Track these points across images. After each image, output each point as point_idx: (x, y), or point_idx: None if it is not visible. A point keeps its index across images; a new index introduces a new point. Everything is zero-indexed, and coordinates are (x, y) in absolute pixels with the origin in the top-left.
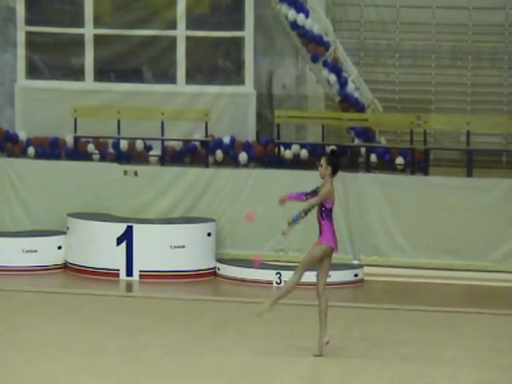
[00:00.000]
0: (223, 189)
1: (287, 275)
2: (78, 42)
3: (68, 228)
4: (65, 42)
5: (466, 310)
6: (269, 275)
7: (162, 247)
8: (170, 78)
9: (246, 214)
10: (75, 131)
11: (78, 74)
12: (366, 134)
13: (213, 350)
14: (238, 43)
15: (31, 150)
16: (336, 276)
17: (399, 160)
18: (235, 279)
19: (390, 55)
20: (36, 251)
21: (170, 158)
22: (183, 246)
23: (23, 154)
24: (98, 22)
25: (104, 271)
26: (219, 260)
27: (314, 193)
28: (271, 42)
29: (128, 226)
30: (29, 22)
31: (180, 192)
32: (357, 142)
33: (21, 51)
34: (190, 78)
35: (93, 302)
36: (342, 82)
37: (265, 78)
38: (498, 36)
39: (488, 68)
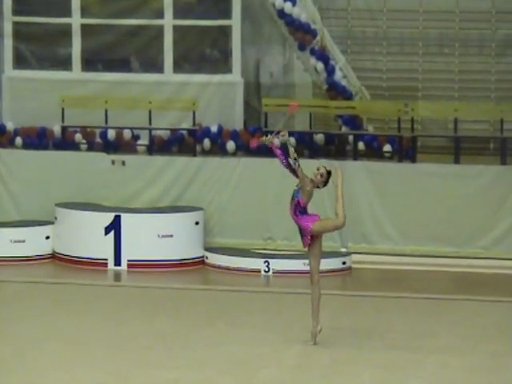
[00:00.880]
0: (211, 178)
1: (275, 263)
2: (66, 32)
3: (56, 218)
4: (52, 31)
5: (454, 297)
6: (257, 263)
7: (150, 236)
8: (158, 68)
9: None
10: (63, 121)
11: (65, 63)
12: (353, 121)
13: (202, 339)
14: (226, 32)
15: (19, 141)
16: (324, 264)
17: (387, 147)
18: (223, 268)
19: (377, 43)
20: (24, 241)
21: (158, 147)
22: (171, 235)
23: (11, 144)
24: (85, 12)
25: (92, 261)
26: (207, 249)
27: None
28: (258, 30)
29: (116, 216)
30: (16, 12)
31: (168, 181)
32: (344, 129)
33: (8, 41)
34: (178, 67)
35: (81, 292)
36: (330, 70)
37: (252, 66)
38: (485, 23)
39: (475, 55)
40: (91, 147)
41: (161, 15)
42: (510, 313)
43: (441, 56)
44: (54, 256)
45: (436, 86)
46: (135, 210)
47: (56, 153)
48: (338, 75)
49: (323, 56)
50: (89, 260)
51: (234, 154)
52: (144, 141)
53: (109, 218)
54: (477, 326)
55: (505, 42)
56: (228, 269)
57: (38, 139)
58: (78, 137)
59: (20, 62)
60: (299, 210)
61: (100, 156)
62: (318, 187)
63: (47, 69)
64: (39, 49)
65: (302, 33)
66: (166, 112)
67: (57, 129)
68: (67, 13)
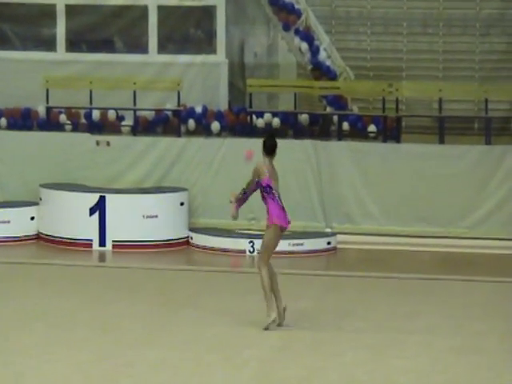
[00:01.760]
0: (195, 158)
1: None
2: (50, 13)
3: (40, 199)
4: (36, 12)
5: (438, 276)
6: (242, 244)
7: (135, 217)
8: (142, 48)
9: (245, 153)
10: (47, 102)
11: (49, 44)
12: (338, 102)
13: (185, 319)
14: (210, 12)
15: (3, 121)
16: (309, 244)
17: (371, 128)
18: (208, 248)
19: (361, 23)
20: (9, 222)
21: (143, 127)
22: (156, 216)
23: None
24: None
25: (77, 242)
26: (192, 229)
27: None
28: (243, 10)
29: (101, 197)
30: None
31: (152, 162)
32: (329, 110)
33: None
34: (162, 48)
35: (66, 273)
36: (314, 51)
37: (236, 47)
38: (469, 3)
39: (459, 35)
40: (76, 128)
41: None
42: (494, 292)
43: (425, 36)
44: (38, 237)
45: (420, 66)
46: (120, 191)
47: (40, 134)
48: (322, 55)
49: (307, 36)
50: (74, 241)
51: (218, 135)
52: (128, 121)
53: (93, 198)
54: (461, 306)
55: (488, 22)
56: (213, 249)
57: (22, 120)
58: (63, 117)
59: (4, 42)
60: (266, 191)
61: (85, 137)
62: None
63: (31, 49)
64: (23, 29)
65: (286, 13)
66: (150, 92)
67: (41, 109)
68: None
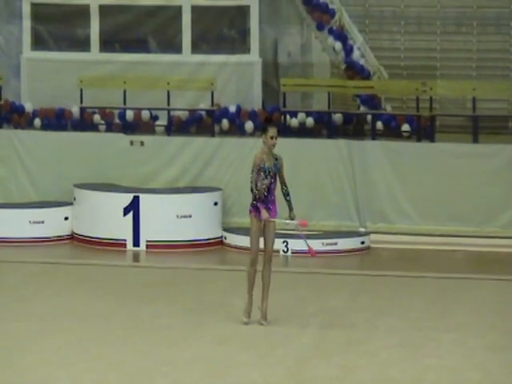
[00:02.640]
0: (229, 158)
1: (294, 243)
2: (84, 13)
3: (75, 199)
4: (70, 12)
5: (471, 276)
6: (276, 244)
7: (169, 217)
8: (176, 48)
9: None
10: (81, 102)
11: (83, 44)
12: (371, 101)
13: (220, 318)
14: (243, 12)
15: (37, 122)
16: (343, 243)
17: (405, 127)
18: (242, 248)
19: (395, 22)
20: (43, 222)
21: (176, 127)
22: (190, 216)
23: (29, 125)
24: None
25: (111, 241)
26: (226, 229)
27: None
28: (276, 10)
29: (134, 196)
30: None
31: (186, 161)
32: (362, 109)
33: (26, 23)
34: (196, 48)
35: (100, 273)
36: (348, 50)
37: (270, 46)
38: (502, 1)
39: (493, 34)
40: (109, 128)
41: None
42: None
43: (459, 35)
44: (72, 237)
45: (454, 64)
46: (154, 191)
47: (74, 134)
48: (355, 54)
49: (341, 35)
50: (107, 241)
51: (252, 134)
52: (162, 121)
53: (127, 198)
54: (494, 304)
55: None
56: (247, 249)
57: (56, 120)
58: (97, 117)
59: (38, 43)
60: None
61: (118, 137)
62: None
63: (65, 50)
64: (57, 30)
65: (319, 12)
66: (184, 92)
67: (75, 110)
68: None
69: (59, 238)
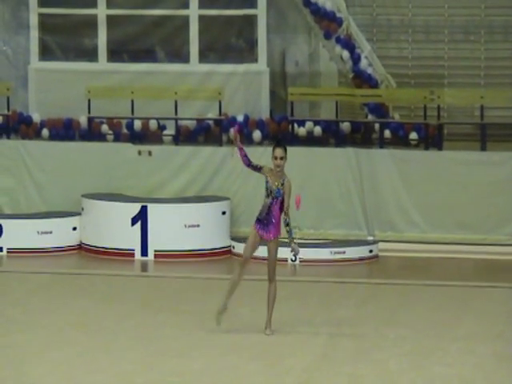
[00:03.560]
0: (237, 167)
1: (302, 252)
2: (91, 23)
3: (83, 209)
4: (78, 23)
5: (480, 284)
6: (284, 253)
7: (177, 226)
8: (183, 58)
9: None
10: (89, 112)
11: (91, 54)
12: (379, 109)
13: (228, 328)
14: (251, 21)
15: (45, 132)
16: (351, 252)
17: (413, 135)
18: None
19: (402, 30)
20: (51, 232)
21: (184, 137)
22: (198, 225)
23: (37, 135)
24: (110, 3)
25: (119, 251)
26: (234, 238)
27: (256, 168)
28: (284, 19)
29: (142, 206)
30: (41, 4)
31: (194, 171)
32: (370, 118)
33: (34, 33)
34: (203, 57)
35: (108, 283)
36: (355, 59)
37: (278, 55)
38: (510, 9)
39: (501, 42)
40: (117, 138)
41: (186, 5)
42: None
43: (466, 43)
44: (81, 247)
45: (462, 73)
46: (162, 200)
47: (82, 144)
48: (363, 63)
49: (349, 44)
50: (116, 251)
51: (260, 144)
52: (170, 131)
53: (135, 208)
54: (502, 313)
55: None
56: (255, 258)
57: (64, 130)
58: (104, 128)
59: (46, 53)
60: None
61: (126, 146)
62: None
63: (73, 60)
64: (65, 40)
65: (327, 21)
66: (191, 102)
67: (83, 120)
68: (93, 4)
69: (67, 249)
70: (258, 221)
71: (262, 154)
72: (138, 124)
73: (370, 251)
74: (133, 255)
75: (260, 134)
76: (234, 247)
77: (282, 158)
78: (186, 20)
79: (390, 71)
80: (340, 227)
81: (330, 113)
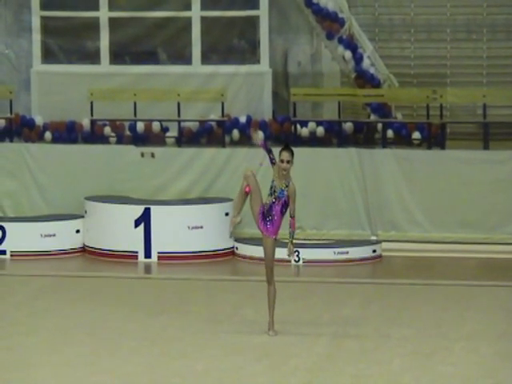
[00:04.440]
0: (240, 168)
1: (305, 253)
2: (93, 26)
3: (86, 211)
4: (80, 25)
5: (483, 283)
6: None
7: (180, 228)
8: (186, 59)
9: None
10: (92, 114)
11: (93, 57)
12: (382, 109)
13: (232, 329)
14: (253, 22)
15: (48, 135)
16: (354, 252)
17: (416, 135)
18: (254, 258)
19: (404, 30)
20: (54, 235)
21: (187, 138)
22: (201, 227)
23: (40, 138)
24: (112, 5)
25: (122, 253)
26: (237, 239)
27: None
28: (286, 20)
29: (146, 208)
30: (44, 7)
31: (197, 172)
32: (373, 117)
33: (36, 36)
34: (206, 59)
35: (112, 285)
36: (358, 58)
37: (280, 56)
38: None
39: (503, 40)
40: (120, 140)
41: (188, 7)
42: None
43: (469, 42)
44: (84, 249)
45: (464, 72)
46: (165, 202)
47: (85, 146)
48: (366, 63)
49: (351, 44)
50: (119, 253)
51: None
52: (173, 133)
53: (138, 210)
54: (506, 312)
55: None
56: (258, 259)
57: (67, 133)
58: (107, 130)
59: (48, 56)
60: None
61: (129, 149)
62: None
63: (75, 63)
64: (67, 43)
65: (329, 21)
66: (194, 103)
67: (86, 122)
68: (95, 6)
69: (71, 251)
70: (263, 215)
71: (265, 155)
72: (140, 126)
73: (374, 251)
74: (136, 257)
75: (263, 135)
76: (237, 248)
77: (288, 162)
78: (188, 22)
79: (393, 71)
80: (343, 227)
81: (332, 113)
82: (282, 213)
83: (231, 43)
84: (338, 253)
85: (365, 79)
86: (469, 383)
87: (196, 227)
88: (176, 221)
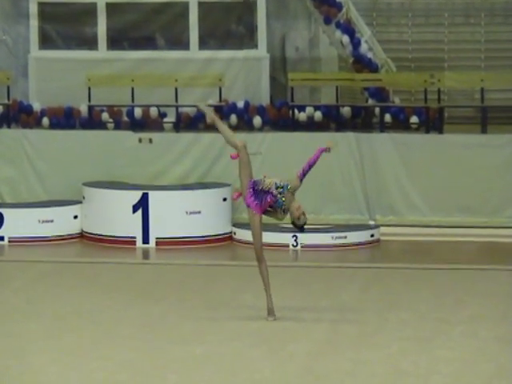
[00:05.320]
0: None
1: (303, 237)
2: (91, 11)
3: (84, 197)
4: (77, 11)
5: (482, 267)
6: (285, 238)
7: (178, 213)
8: (183, 45)
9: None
10: (89, 100)
11: (91, 43)
12: (379, 94)
13: (231, 314)
14: (251, 7)
15: (46, 121)
16: (352, 237)
17: (414, 119)
18: (252, 243)
19: (402, 14)
20: (52, 221)
21: (185, 124)
22: (199, 212)
23: (38, 124)
24: None
25: (120, 239)
26: (235, 224)
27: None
28: (284, 5)
29: (143, 194)
30: None
31: (195, 158)
32: (371, 102)
33: (33, 22)
34: (203, 44)
35: (110, 271)
36: (355, 43)
37: (278, 41)
38: None
39: (501, 24)
40: (118, 126)
41: None
42: None
43: (467, 26)
44: (82, 235)
45: (462, 56)
46: (163, 188)
47: (83, 132)
48: (363, 48)
49: (349, 29)
50: (117, 238)
51: (260, 130)
52: (171, 118)
53: (136, 195)
54: (505, 296)
55: None
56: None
57: (64, 119)
58: (105, 116)
59: (46, 42)
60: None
61: (127, 134)
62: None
63: (73, 48)
64: (65, 29)
65: (327, 6)
66: (192, 89)
67: (83, 108)
68: None
69: (68, 237)
70: (254, 191)
71: (262, 141)
72: (138, 112)
73: (372, 235)
74: (134, 243)
75: (260, 120)
76: (235, 233)
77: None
78: (185, 7)
79: (390, 55)
80: (341, 212)
81: (330, 98)
82: (267, 208)
83: (229, 28)
84: (337, 237)
85: (363, 64)
86: (468, 367)
87: (194, 212)
88: (174, 206)
